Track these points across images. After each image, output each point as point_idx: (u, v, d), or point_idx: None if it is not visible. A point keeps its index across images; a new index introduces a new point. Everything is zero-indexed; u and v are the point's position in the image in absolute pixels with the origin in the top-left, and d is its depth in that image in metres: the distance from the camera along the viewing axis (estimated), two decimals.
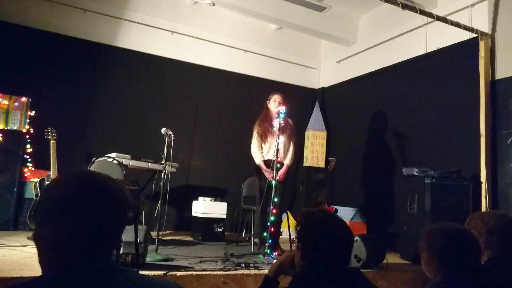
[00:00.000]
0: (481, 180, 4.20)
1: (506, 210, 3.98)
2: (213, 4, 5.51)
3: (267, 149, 4.27)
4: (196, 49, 6.14)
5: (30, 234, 3.98)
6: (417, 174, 4.20)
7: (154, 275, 2.52)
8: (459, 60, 4.75)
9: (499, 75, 4.39)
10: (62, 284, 0.90)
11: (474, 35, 4.45)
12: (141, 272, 1.16)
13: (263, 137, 4.29)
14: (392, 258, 3.97)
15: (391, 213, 5.16)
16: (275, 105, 4.29)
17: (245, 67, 6.48)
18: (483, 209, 4.08)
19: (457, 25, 4.33)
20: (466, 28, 4.38)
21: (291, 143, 4.38)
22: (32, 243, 3.77)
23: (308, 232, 1.50)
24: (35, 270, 2.56)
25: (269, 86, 5.64)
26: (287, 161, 4.31)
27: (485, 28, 4.51)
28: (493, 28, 4.49)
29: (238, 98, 6.36)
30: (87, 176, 1.07)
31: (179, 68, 6.00)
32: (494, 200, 4.18)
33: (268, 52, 6.67)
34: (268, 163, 4.18)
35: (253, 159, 4.32)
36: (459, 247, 1.64)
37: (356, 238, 3.55)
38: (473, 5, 4.69)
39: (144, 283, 1.01)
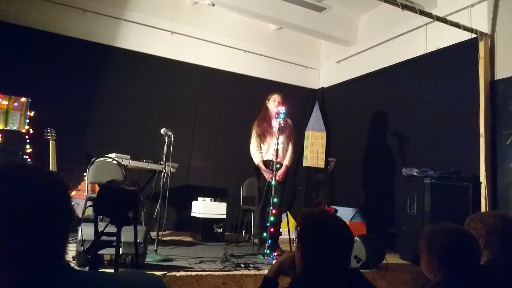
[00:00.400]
0: (481, 180, 4.21)
1: (505, 210, 3.97)
2: (213, 5, 5.51)
3: (266, 150, 4.26)
4: (196, 49, 6.14)
5: None
6: (416, 175, 4.20)
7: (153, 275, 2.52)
8: (458, 60, 4.76)
9: (499, 75, 4.39)
10: None
11: (474, 35, 4.45)
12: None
13: (262, 137, 4.28)
14: (391, 259, 3.98)
15: (391, 214, 5.16)
16: (275, 105, 4.28)
17: (245, 68, 6.48)
18: (483, 209, 4.08)
19: (457, 25, 4.33)
20: (465, 28, 4.38)
21: (290, 143, 4.37)
22: None
23: (308, 233, 1.50)
24: None
25: (268, 86, 5.64)
26: (286, 162, 4.30)
27: (485, 28, 4.51)
28: (493, 29, 4.50)
29: (237, 98, 6.36)
30: (10, 170, 0.87)
31: (178, 68, 6.00)
32: (493, 201, 4.18)
33: (268, 53, 6.67)
34: (267, 163, 4.18)
35: (252, 159, 4.32)
36: (459, 248, 1.64)
37: (356, 238, 3.55)
38: (472, 5, 4.70)
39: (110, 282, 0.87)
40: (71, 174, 4.97)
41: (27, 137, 4.77)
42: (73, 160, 5.10)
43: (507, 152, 4.18)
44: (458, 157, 4.54)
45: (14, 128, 4.71)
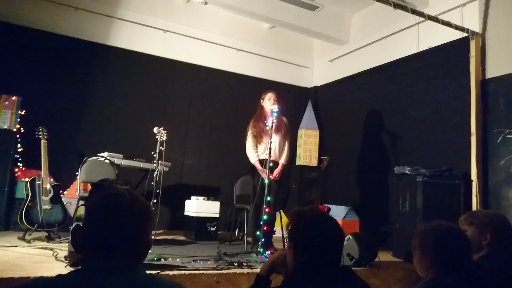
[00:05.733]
0: (472, 178, 4.24)
1: (496, 208, 4.01)
2: (206, 3, 5.50)
3: (263, 150, 4.23)
4: (189, 48, 6.12)
5: (21, 234, 3.95)
6: (409, 173, 4.22)
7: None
8: (450, 59, 4.79)
9: (490, 74, 4.43)
10: (73, 280, 1.06)
11: (465, 34, 4.49)
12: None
13: (258, 138, 4.25)
14: (384, 256, 3.99)
15: (383, 212, 5.19)
16: (270, 102, 4.27)
17: (238, 66, 6.47)
18: (474, 207, 4.12)
19: (448, 24, 4.37)
20: (457, 27, 4.41)
21: (286, 142, 4.36)
22: (23, 243, 3.72)
23: (299, 231, 1.51)
24: (26, 270, 2.54)
25: (262, 85, 5.63)
26: (282, 160, 4.29)
27: (476, 27, 4.55)
28: (484, 28, 4.53)
29: (231, 97, 6.35)
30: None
31: (171, 67, 5.98)
32: (484, 198, 4.22)
33: (261, 51, 6.67)
34: (263, 162, 4.17)
35: (248, 158, 4.31)
36: (451, 245, 1.65)
37: (349, 236, 3.57)
38: (464, 4, 4.73)
39: (147, 281, 1.12)
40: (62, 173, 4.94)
41: (18, 136, 4.72)
42: (65, 159, 5.06)
43: (498, 150, 4.21)
44: (450, 155, 4.57)
45: (5, 127, 4.66)
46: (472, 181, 4.24)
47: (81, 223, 1.22)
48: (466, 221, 2.10)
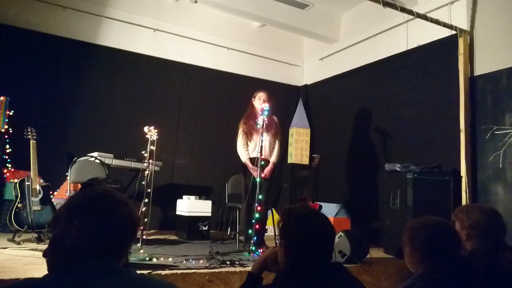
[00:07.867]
0: (461, 174, 4.29)
1: (485, 204, 4.06)
2: (195, 1, 5.48)
3: (253, 147, 4.26)
4: (179, 46, 6.10)
5: (10, 236, 3.91)
6: (399, 170, 4.25)
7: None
8: (439, 56, 4.83)
9: (478, 71, 4.47)
10: (64, 281, 1.01)
11: (453, 32, 4.53)
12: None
13: (248, 135, 4.28)
14: (375, 253, 4.02)
15: (374, 209, 5.22)
16: (260, 102, 4.29)
17: (228, 65, 6.46)
18: (463, 203, 4.16)
19: (437, 22, 4.40)
20: (445, 25, 4.44)
21: (277, 141, 4.38)
22: (13, 245, 3.67)
23: (289, 229, 1.51)
24: (16, 272, 2.52)
25: (252, 84, 5.63)
26: (272, 159, 4.31)
27: (464, 25, 4.59)
28: (472, 25, 4.58)
29: (221, 95, 6.34)
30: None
31: (161, 66, 5.95)
32: (474, 194, 4.26)
33: (251, 50, 6.67)
34: (254, 161, 4.18)
35: (239, 157, 4.32)
36: (441, 240, 1.67)
37: (340, 233, 3.59)
38: (452, 2, 4.77)
39: (139, 282, 1.11)
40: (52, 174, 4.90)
41: (6, 136, 4.66)
42: (55, 160, 5.02)
43: (486, 146, 4.26)
44: (439, 152, 4.62)
45: None
46: (461, 177, 4.28)
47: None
48: (455, 216, 2.14)
